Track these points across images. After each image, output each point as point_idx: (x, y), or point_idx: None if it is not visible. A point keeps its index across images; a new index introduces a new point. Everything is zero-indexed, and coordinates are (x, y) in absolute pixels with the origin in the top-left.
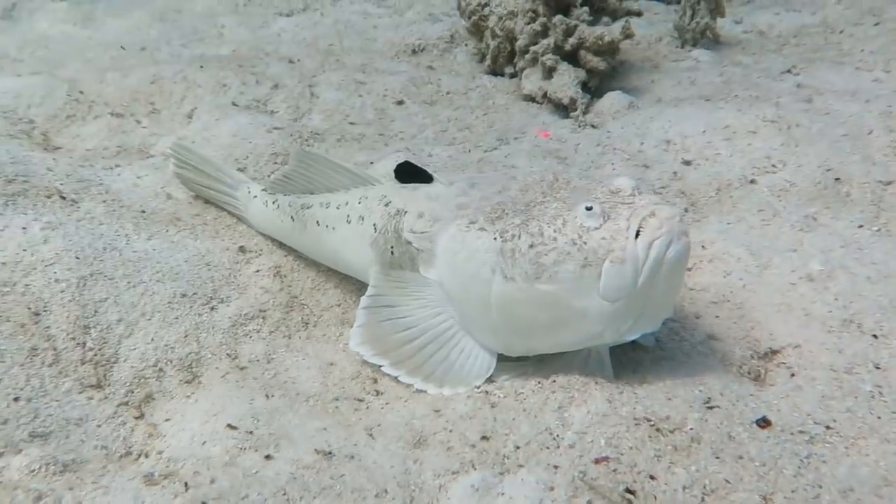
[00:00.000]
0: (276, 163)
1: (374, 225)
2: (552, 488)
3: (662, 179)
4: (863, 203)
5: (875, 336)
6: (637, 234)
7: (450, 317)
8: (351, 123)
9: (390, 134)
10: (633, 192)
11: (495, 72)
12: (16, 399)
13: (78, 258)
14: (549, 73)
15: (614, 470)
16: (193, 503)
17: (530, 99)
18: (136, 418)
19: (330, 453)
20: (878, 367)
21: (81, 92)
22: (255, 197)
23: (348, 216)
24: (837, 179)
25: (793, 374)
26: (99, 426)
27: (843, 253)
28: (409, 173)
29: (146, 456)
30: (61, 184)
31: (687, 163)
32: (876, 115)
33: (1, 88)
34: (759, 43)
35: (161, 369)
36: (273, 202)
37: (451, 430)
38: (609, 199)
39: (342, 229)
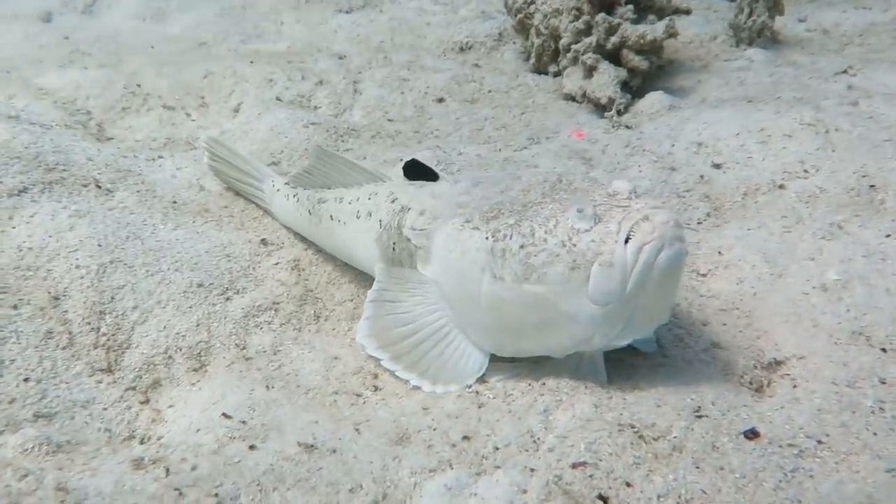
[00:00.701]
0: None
1: (380, 221)
2: (525, 491)
3: (688, 182)
4: None
5: (884, 350)
6: (629, 239)
7: (445, 315)
8: (389, 120)
9: (426, 131)
10: (629, 195)
11: (539, 70)
12: (26, 379)
13: (100, 245)
14: (589, 72)
15: (591, 475)
16: (167, 488)
17: (570, 98)
18: (142, 403)
19: (313, 446)
20: (883, 382)
21: (139, 85)
22: (279, 190)
23: (358, 212)
24: (872, 186)
25: (795, 386)
26: (105, 409)
27: (865, 263)
28: (417, 171)
29: (147, 440)
30: (99, 173)
31: (717, 166)
32: None
33: (64, 80)
34: (821, 42)
35: (171, 356)
36: (294, 196)
37: (435, 429)
38: (605, 201)
39: (352, 224)
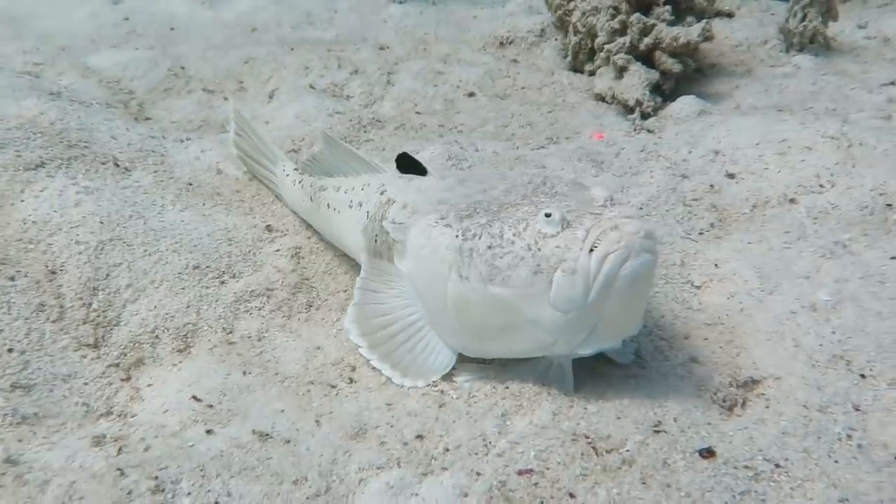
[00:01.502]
0: None
1: (368, 212)
2: (466, 495)
3: (697, 192)
4: None
5: (863, 376)
6: (594, 247)
7: (417, 311)
8: (417, 113)
9: (450, 126)
10: (605, 202)
11: (576, 69)
12: (10, 350)
13: (102, 223)
14: (620, 72)
15: (535, 483)
16: (111, 468)
17: (601, 99)
18: (123, 380)
19: (268, 435)
20: (857, 409)
21: (183, 68)
22: (288, 175)
23: (351, 201)
24: (889, 205)
25: (767, 407)
26: (86, 384)
27: (860, 284)
28: (407, 165)
29: (122, 417)
30: (120, 152)
31: (730, 176)
32: None
33: (112, 61)
34: (877, 50)
35: (157, 336)
36: (299, 182)
37: (392, 426)
38: (580, 207)
39: (345, 213)
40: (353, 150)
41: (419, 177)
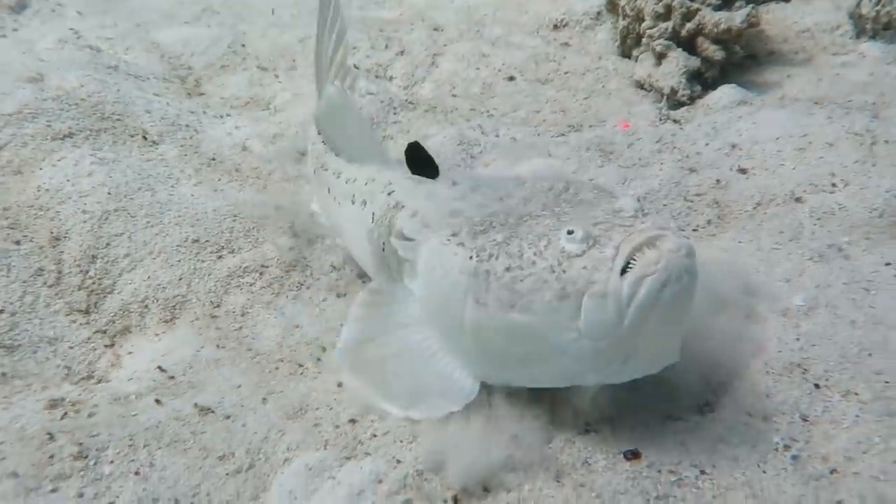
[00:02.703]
0: None
1: (373, 214)
2: (380, 481)
3: (702, 186)
4: None
5: (817, 385)
6: (628, 266)
7: (428, 338)
8: (453, 96)
9: (481, 109)
10: (635, 213)
11: (625, 54)
12: (0, 311)
13: (110, 194)
14: (658, 59)
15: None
16: (42, 432)
17: (640, 86)
18: (107, 347)
19: (210, 410)
20: (805, 420)
21: (243, 45)
22: (314, 144)
23: (353, 196)
24: None
25: (711, 412)
26: (71, 348)
27: (842, 290)
28: (418, 159)
29: (100, 381)
30: (151, 125)
31: (742, 171)
32: None
33: (178, 36)
34: None
35: (147, 306)
36: (312, 144)
37: (331, 408)
38: (607, 219)
39: (346, 208)
40: (363, 120)
41: (429, 180)
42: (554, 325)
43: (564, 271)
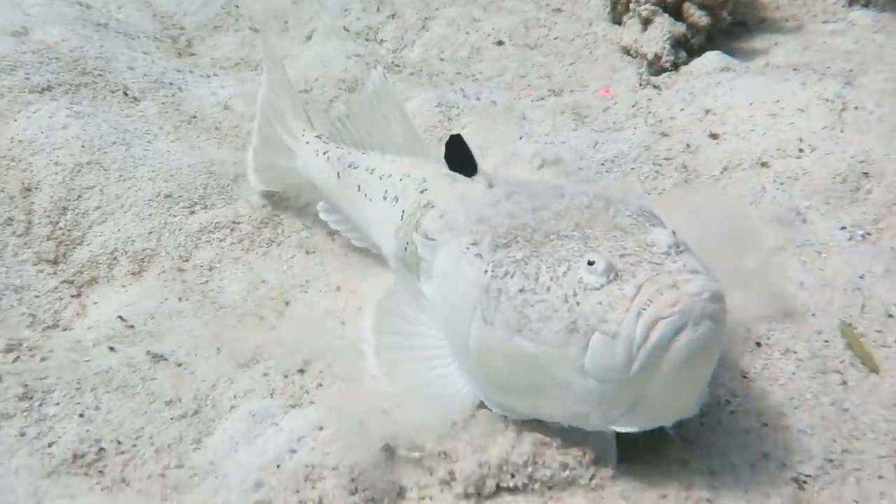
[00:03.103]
0: (340, 88)
1: (403, 211)
2: (321, 428)
3: (672, 151)
4: (878, 204)
5: (759, 344)
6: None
7: (440, 345)
8: (440, 60)
9: (467, 73)
10: (668, 249)
11: (615, 20)
12: None
13: (83, 146)
14: (645, 24)
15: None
16: None
17: (627, 52)
18: (73, 296)
19: (163, 358)
20: (744, 377)
21: (237, 6)
22: (308, 143)
23: (386, 192)
24: (866, 174)
25: None
26: (37, 297)
27: (793, 254)
28: (457, 153)
29: (65, 330)
30: (133, 82)
31: (713, 136)
32: None
33: None
34: None
35: (116, 258)
36: (324, 152)
37: (282, 359)
38: (636, 252)
39: (378, 204)
40: (403, 109)
41: (466, 179)
42: (559, 359)
43: (578, 303)
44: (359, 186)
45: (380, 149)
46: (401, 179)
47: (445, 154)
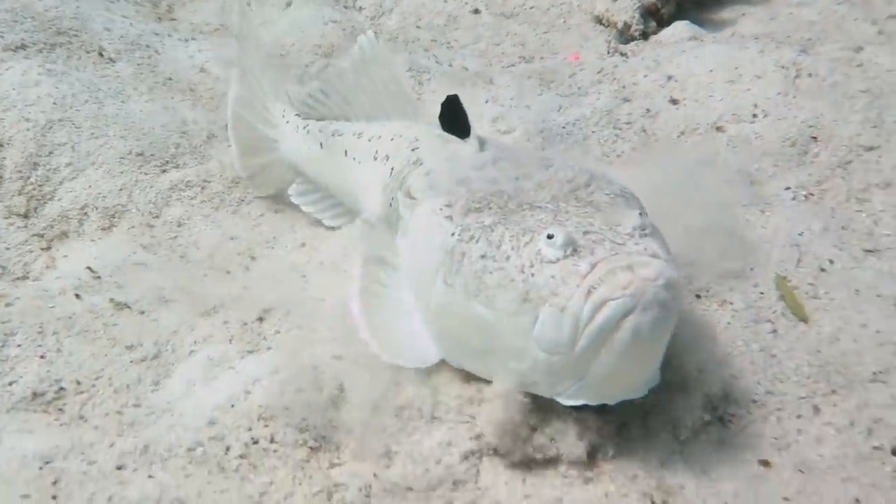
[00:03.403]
0: (316, 54)
1: (392, 168)
2: (276, 371)
3: (632, 115)
4: (823, 166)
5: (698, 296)
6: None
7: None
8: (417, 27)
9: (442, 41)
10: (633, 231)
11: None
12: None
13: (55, 104)
14: None
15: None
16: None
17: (599, 21)
18: (43, 250)
19: (126, 305)
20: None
21: None
22: (289, 122)
23: (377, 152)
24: (814, 138)
25: None
26: (7, 249)
27: (738, 213)
28: (452, 115)
29: (35, 281)
30: (109, 43)
31: (674, 101)
32: None
33: None
34: None
35: (86, 213)
36: (304, 126)
37: (243, 309)
38: (602, 230)
39: (368, 165)
40: (395, 71)
41: (458, 140)
42: (511, 327)
43: (533, 275)
44: (346, 152)
45: (365, 118)
46: (392, 139)
47: (440, 115)
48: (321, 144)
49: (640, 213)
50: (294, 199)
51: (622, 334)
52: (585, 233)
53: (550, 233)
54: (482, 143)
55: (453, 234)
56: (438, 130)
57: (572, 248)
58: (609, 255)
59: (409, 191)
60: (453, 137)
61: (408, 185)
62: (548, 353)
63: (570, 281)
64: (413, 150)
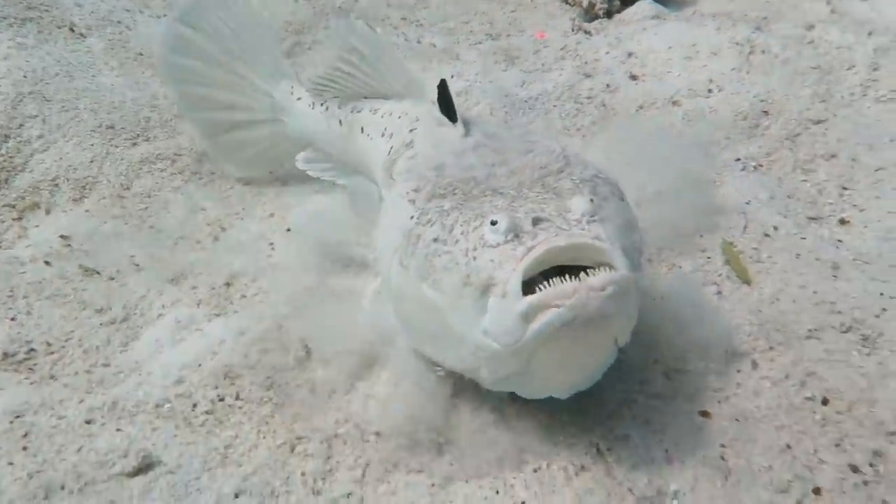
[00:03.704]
0: (287, 31)
1: (391, 147)
2: (243, 334)
3: (593, 90)
4: (773, 139)
5: (650, 261)
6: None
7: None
8: (388, 5)
9: (412, 19)
10: (581, 217)
11: None
12: None
13: (25, 77)
14: None
15: None
16: None
17: (566, 0)
18: (14, 220)
19: (96, 272)
20: None
21: None
22: (300, 98)
23: (385, 129)
24: (765, 112)
25: None
26: None
27: (689, 184)
28: (441, 101)
29: (6, 250)
30: (80, 19)
31: (633, 77)
32: (871, 50)
33: None
34: None
35: (57, 185)
36: (321, 104)
37: (210, 275)
38: (549, 216)
39: (376, 141)
40: (396, 55)
41: (449, 125)
42: (455, 311)
43: (475, 258)
44: (362, 128)
45: (382, 97)
46: (399, 117)
47: (437, 97)
48: (340, 121)
49: (592, 200)
50: (301, 166)
51: (564, 341)
52: (535, 219)
53: (494, 219)
54: (468, 129)
55: (412, 217)
56: (437, 113)
57: (514, 233)
58: (549, 238)
59: (392, 172)
60: (447, 121)
61: (392, 168)
62: (493, 339)
63: (507, 266)
64: (411, 130)
